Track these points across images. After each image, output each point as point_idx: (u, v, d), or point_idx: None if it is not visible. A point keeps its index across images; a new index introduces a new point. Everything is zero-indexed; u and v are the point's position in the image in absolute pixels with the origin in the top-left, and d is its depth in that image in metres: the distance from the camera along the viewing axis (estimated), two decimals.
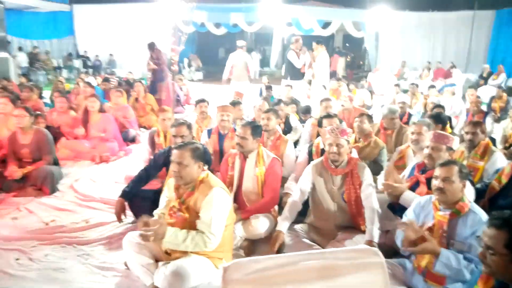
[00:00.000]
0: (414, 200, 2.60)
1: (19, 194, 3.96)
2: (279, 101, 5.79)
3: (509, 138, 5.35)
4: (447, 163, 2.34)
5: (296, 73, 8.11)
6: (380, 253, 1.56)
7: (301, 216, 3.08)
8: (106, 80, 9.20)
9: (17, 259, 2.84)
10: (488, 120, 6.60)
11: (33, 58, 14.36)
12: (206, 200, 2.38)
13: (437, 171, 2.33)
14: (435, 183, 2.32)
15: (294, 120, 5.43)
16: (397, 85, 9.76)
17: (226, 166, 3.27)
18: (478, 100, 7.18)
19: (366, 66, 17.55)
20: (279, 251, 2.77)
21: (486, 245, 1.61)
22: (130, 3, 15.90)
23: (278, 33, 16.61)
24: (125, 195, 3.12)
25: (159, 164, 3.39)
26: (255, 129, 3.18)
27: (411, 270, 2.39)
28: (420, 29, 15.32)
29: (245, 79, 8.47)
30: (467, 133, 3.59)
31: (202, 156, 2.49)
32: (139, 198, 3.19)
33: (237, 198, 3.19)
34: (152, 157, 3.66)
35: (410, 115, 5.79)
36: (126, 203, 3.12)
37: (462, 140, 3.74)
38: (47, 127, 4.96)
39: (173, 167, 2.46)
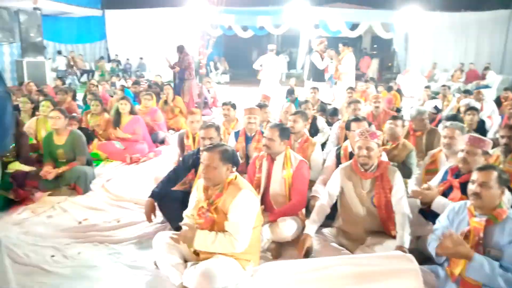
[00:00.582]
0: (447, 206, 2.52)
1: (54, 193, 4.10)
2: (306, 101, 5.76)
3: None
4: (485, 168, 2.26)
5: (319, 75, 8.05)
6: (414, 259, 1.53)
7: (329, 219, 3.04)
8: (136, 83, 9.43)
9: (52, 256, 2.94)
10: None
11: (69, 61, 14.91)
12: (234, 202, 2.39)
13: (475, 175, 2.26)
14: (471, 187, 2.24)
15: (321, 122, 5.39)
16: (428, 87, 9.51)
17: (254, 168, 3.28)
18: None
19: (395, 68, 17.21)
20: (306, 254, 2.75)
21: None
22: (159, 7, 16.25)
23: (304, 35, 16.52)
24: (155, 195, 3.17)
25: (188, 165, 3.43)
26: (283, 131, 3.18)
27: (444, 278, 2.31)
28: (451, 29, 14.87)
29: (274, 82, 8.51)
30: (502, 136, 3.46)
31: (231, 158, 2.51)
32: (168, 199, 3.24)
33: (265, 201, 3.19)
34: (181, 158, 3.72)
35: (441, 118, 5.63)
36: (155, 204, 3.17)
37: (496, 144, 3.60)
38: (81, 129, 5.13)
39: (202, 169, 2.49)
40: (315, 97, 6.90)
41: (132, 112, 5.56)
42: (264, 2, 15.57)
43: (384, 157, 3.42)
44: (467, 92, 8.12)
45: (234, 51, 20.50)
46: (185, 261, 2.53)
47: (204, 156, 2.49)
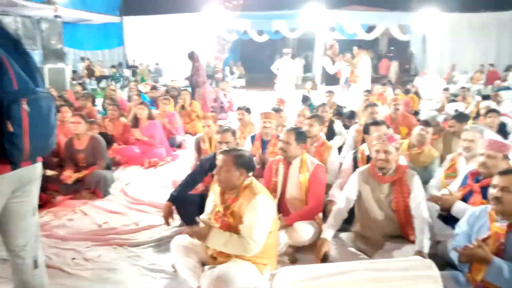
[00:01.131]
0: (467, 210, 2.48)
1: (74, 197, 4.19)
2: (323, 104, 5.74)
3: None
4: (508, 172, 2.21)
5: (332, 79, 8.00)
6: (434, 265, 1.51)
7: (346, 224, 3.02)
8: (154, 88, 9.56)
9: (73, 259, 3.00)
10: None
11: (89, 68, 15.25)
12: (250, 206, 2.40)
13: (496, 180, 2.21)
14: (492, 192, 2.20)
15: (338, 126, 5.36)
16: (446, 89, 9.36)
17: (270, 172, 3.28)
18: None
19: (413, 70, 16.98)
20: (324, 259, 2.73)
21: None
22: (176, 13, 16.48)
23: (320, 39, 16.50)
24: (173, 199, 3.20)
25: (205, 169, 3.45)
26: (299, 134, 3.18)
27: (464, 284, 2.27)
28: (470, 30, 14.62)
29: (290, 85, 8.52)
30: None
31: (245, 163, 2.49)
32: (186, 202, 3.27)
33: (281, 205, 3.18)
34: (198, 162, 3.75)
35: None
36: (173, 207, 3.20)
37: None
38: (101, 134, 5.23)
39: (215, 170, 2.52)
40: (330, 101, 6.87)
41: (150, 117, 5.64)
42: (279, 6, 15.62)
43: (403, 161, 3.38)
44: (486, 98, 7.97)
45: (250, 56, 20.61)
46: (203, 264, 2.54)
47: (219, 158, 2.51)
